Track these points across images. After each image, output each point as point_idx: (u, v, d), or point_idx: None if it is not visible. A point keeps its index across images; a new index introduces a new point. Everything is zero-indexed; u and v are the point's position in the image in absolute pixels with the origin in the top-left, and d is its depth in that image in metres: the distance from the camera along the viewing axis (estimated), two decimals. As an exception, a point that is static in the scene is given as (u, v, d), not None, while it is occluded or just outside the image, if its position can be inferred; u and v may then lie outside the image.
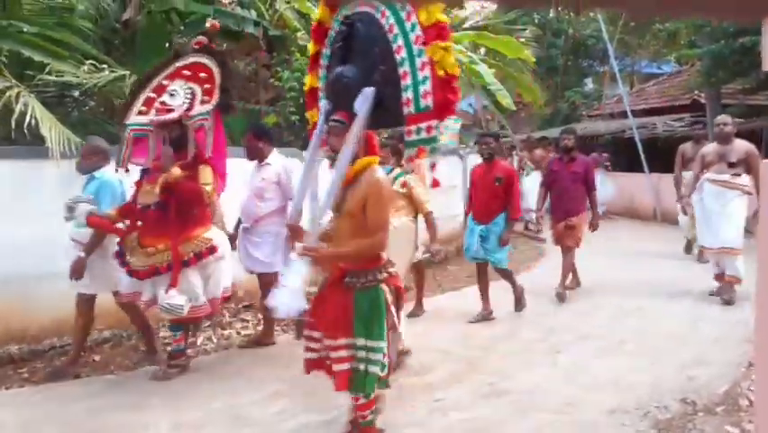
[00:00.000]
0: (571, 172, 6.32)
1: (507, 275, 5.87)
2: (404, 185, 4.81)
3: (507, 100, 9.37)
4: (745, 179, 5.88)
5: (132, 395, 4.01)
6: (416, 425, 3.52)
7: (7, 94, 4.77)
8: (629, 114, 12.86)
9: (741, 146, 5.95)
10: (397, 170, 4.83)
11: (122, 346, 4.99)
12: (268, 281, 4.46)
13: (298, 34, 8.13)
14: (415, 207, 4.92)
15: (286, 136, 8.22)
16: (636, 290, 6.65)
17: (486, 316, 5.62)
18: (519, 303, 5.86)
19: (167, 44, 7.87)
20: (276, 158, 4.87)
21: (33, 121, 4.66)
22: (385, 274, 3.00)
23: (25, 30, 5.61)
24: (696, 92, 13.76)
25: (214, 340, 5.18)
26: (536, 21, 19.63)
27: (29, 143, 4.92)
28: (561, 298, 6.16)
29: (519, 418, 3.60)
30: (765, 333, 1.38)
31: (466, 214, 5.98)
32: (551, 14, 20.57)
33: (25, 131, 4.67)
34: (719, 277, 6.16)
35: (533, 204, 8.74)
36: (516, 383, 4.10)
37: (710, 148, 6.24)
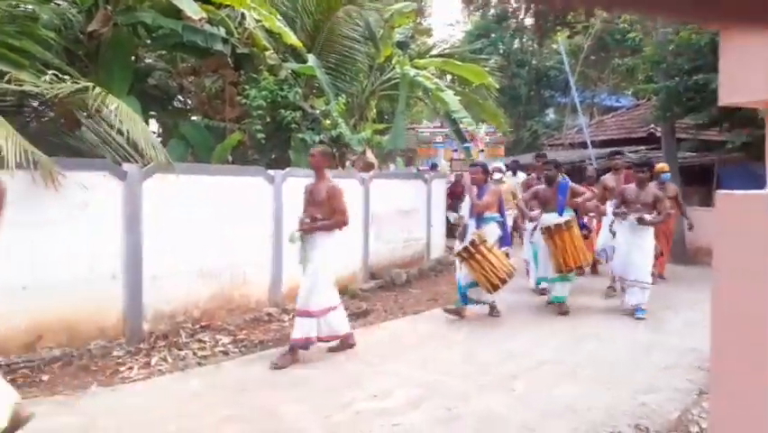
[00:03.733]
0: None
1: None
2: None
3: (472, 127, 9.56)
4: None
5: (81, 417, 3.88)
6: (373, 449, 3.49)
7: (-38, 101, 4.63)
8: (588, 144, 13.23)
9: None
10: None
11: (72, 366, 4.82)
12: None
13: (267, 53, 8.14)
14: None
15: (251, 154, 8.18)
16: (592, 315, 6.79)
17: None
18: None
19: (132, 58, 7.78)
20: None
21: (-12, 130, 4.52)
22: None
23: (-16, 37, 5.48)
24: (652, 126, 14.26)
25: (170, 360, 5.06)
26: (501, 51, 20.12)
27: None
28: None
29: (476, 443, 3.60)
30: (720, 362, 1.44)
31: None
32: (515, 45, 21.13)
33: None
34: None
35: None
36: (473, 408, 4.11)
37: None
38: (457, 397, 4.31)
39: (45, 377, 4.56)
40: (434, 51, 12.19)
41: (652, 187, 7.06)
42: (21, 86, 5.38)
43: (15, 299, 4.66)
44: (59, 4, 7.14)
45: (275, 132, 7.87)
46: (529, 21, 21.97)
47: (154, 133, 7.77)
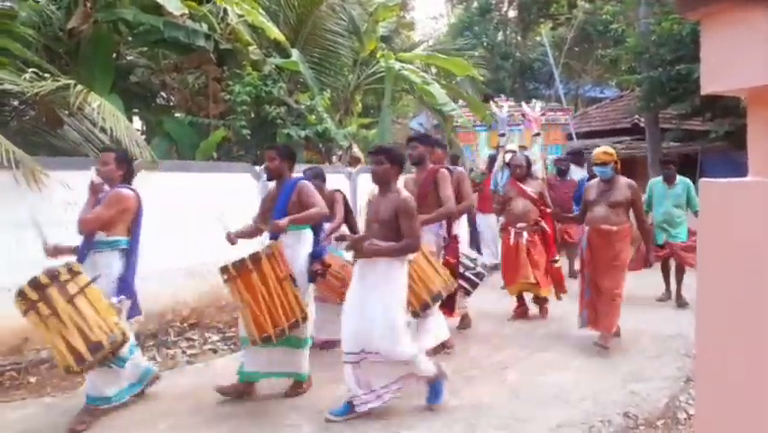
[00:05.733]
0: None
1: None
2: None
3: (461, 119, 9.57)
4: None
5: (70, 417, 3.84)
6: (365, 443, 3.50)
7: (-60, 101, 4.56)
8: (573, 135, 13.31)
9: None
10: None
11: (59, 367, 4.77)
12: None
13: (250, 48, 8.08)
14: None
15: (236, 151, 8.14)
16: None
17: None
18: None
19: (114, 55, 7.69)
20: None
21: (-32, 130, 4.46)
22: None
23: (-38, 35, 5.40)
24: (636, 116, 14.36)
25: (159, 359, 5.03)
26: (485, 44, 20.15)
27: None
28: None
29: (468, 434, 3.62)
30: (705, 349, 1.45)
31: None
32: (499, 38, 21.17)
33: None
34: None
35: None
36: (463, 400, 4.13)
37: None
38: (448, 389, 4.32)
39: (33, 379, 4.52)
40: (419, 48, 12.17)
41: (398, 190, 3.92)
42: (0, 84, 5.30)
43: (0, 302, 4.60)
44: (37, 1, 7.04)
45: (260, 127, 7.83)
46: (512, 13, 22.02)
47: (138, 130, 7.69)
